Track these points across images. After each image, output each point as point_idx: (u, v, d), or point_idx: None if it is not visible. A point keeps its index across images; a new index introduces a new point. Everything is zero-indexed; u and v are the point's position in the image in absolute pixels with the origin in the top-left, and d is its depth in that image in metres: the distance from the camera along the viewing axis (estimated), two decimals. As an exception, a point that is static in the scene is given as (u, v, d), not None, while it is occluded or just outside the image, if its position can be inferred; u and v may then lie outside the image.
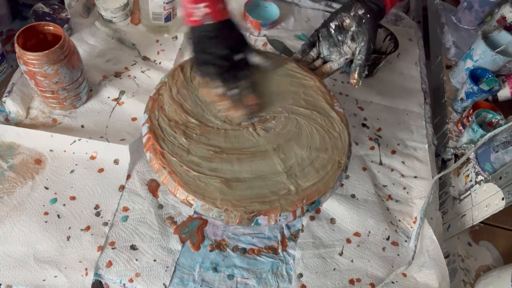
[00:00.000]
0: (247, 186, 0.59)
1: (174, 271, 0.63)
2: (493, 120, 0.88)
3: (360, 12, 0.68)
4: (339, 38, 0.71)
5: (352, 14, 0.69)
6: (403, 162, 0.83)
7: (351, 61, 0.71)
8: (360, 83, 0.69)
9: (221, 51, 0.60)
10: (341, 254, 0.70)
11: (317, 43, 0.74)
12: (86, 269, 0.61)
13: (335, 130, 0.66)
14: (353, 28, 0.69)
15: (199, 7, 0.58)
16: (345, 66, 0.75)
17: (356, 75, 0.69)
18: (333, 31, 0.72)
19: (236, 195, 0.58)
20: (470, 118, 0.90)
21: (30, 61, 0.65)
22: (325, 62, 0.74)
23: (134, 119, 0.78)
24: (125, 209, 0.68)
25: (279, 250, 0.68)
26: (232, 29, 0.62)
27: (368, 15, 0.68)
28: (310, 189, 0.59)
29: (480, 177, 0.81)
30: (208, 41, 0.60)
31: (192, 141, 0.61)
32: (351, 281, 0.67)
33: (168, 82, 0.67)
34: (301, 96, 0.69)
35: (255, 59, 0.65)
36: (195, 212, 0.69)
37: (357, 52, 0.69)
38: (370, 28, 0.68)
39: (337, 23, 0.71)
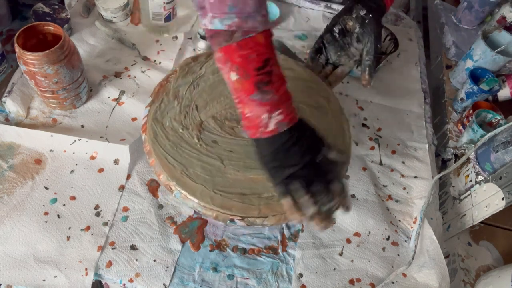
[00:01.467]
0: (232, 184, 0.59)
1: (174, 271, 0.63)
2: (493, 120, 0.88)
3: (362, 13, 0.68)
4: (345, 41, 0.71)
5: (354, 16, 0.69)
6: (403, 162, 0.83)
7: (359, 62, 0.71)
8: (371, 83, 0.69)
9: (302, 159, 0.51)
10: (341, 254, 0.70)
11: (324, 49, 0.74)
12: (86, 269, 0.61)
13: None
14: (357, 30, 0.69)
15: (274, 116, 0.49)
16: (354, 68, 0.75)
17: (367, 76, 0.69)
18: (337, 35, 0.71)
19: (218, 190, 0.58)
20: (470, 118, 0.90)
21: (30, 61, 0.65)
22: (335, 67, 0.75)
23: (134, 119, 0.78)
24: (125, 209, 0.68)
25: (279, 250, 0.68)
26: (306, 128, 0.53)
27: (370, 15, 0.67)
28: None
29: (480, 177, 0.81)
30: (283, 151, 0.51)
31: (188, 131, 0.63)
32: (351, 281, 0.67)
33: (178, 72, 0.68)
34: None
35: (331, 155, 0.54)
36: (195, 212, 0.69)
37: (364, 52, 0.69)
38: (374, 27, 0.68)
39: (340, 27, 0.71)
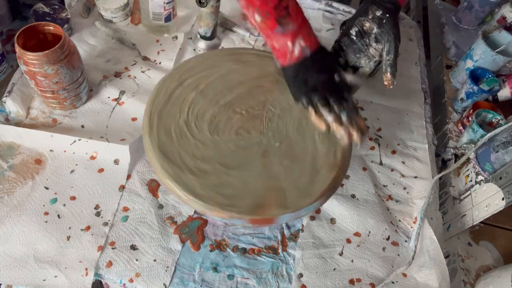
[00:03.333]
0: (220, 174, 0.60)
1: (174, 271, 0.63)
2: (493, 120, 0.88)
3: (378, 13, 0.67)
4: (363, 42, 0.71)
5: (370, 17, 0.68)
6: (403, 162, 0.83)
7: (379, 62, 0.71)
8: (394, 83, 0.70)
9: (323, 76, 0.61)
10: (341, 254, 0.70)
11: (341, 53, 0.73)
12: (86, 269, 0.61)
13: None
14: (375, 30, 0.69)
15: (296, 42, 0.59)
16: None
17: (389, 75, 0.69)
18: (355, 38, 0.71)
19: (206, 182, 0.59)
20: (470, 118, 0.90)
21: (30, 61, 0.65)
22: (355, 69, 0.74)
23: (134, 119, 0.78)
24: (125, 209, 0.68)
25: (279, 250, 0.68)
26: (326, 52, 0.63)
27: (387, 14, 0.67)
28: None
29: (480, 177, 0.81)
30: (307, 71, 0.61)
31: (195, 120, 0.64)
32: (351, 281, 0.67)
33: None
34: None
35: (349, 77, 0.64)
36: (195, 212, 0.69)
37: (384, 52, 0.69)
38: (392, 27, 0.68)
39: (357, 29, 0.70)
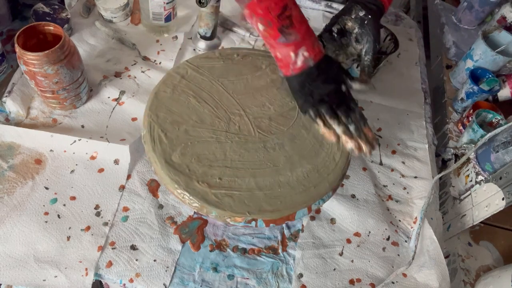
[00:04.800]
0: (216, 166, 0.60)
1: (174, 271, 0.63)
2: (493, 120, 0.88)
3: (361, 13, 0.68)
4: (343, 41, 0.72)
5: (353, 16, 0.69)
6: (403, 162, 0.83)
7: (358, 61, 0.72)
8: (369, 83, 0.69)
9: (328, 88, 0.61)
10: (341, 254, 0.70)
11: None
12: (86, 269, 0.61)
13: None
14: (356, 30, 0.70)
15: (300, 53, 0.59)
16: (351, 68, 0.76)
17: (365, 76, 0.69)
18: (336, 35, 0.72)
19: (199, 172, 0.59)
20: (470, 118, 0.90)
21: (30, 61, 0.65)
22: None
23: (134, 119, 0.78)
24: (125, 209, 0.68)
25: (279, 250, 0.68)
26: (331, 62, 0.63)
27: (369, 16, 0.68)
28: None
29: (480, 177, 0.81)
30: (312, 82, 0.61)
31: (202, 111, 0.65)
32: (351, 281, 0.67)
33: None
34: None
35: (356, 86, 0.65)
36: (195, 212, 0.69)
37: (363, 53, 0.70)
38: (373, 28, 0.68)
39: (339, 27, 0.71)
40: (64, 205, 0.66)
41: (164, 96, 0.67)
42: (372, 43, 0.68)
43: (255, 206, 0.57)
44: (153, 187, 0.71)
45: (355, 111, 0.62)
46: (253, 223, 0.58)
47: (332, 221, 0.73)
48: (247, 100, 0.68)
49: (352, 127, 0.61)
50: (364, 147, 0.61)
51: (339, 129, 0.61)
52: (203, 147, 0.61)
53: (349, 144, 0.61)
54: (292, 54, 0.59)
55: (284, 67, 0.61)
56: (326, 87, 0.61)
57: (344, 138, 0.61)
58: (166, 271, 0.63)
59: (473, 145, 0.85)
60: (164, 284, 0.62)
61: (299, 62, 0.59)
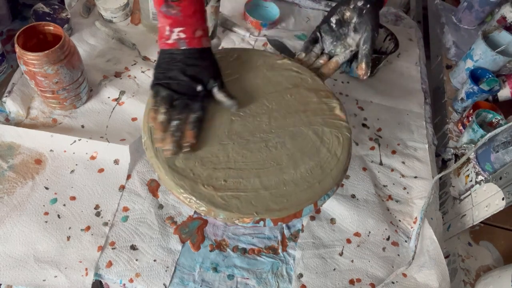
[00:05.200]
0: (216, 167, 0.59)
1: (174, 271, 0.63)
2: (493, 120, 0.88)
3: (360, 3, 0.68)
4: (341, 31, 0.71)
5: (351, 6, 0.69)
6: (403, 162, 0.83)
7: (356, 54, 0.71)
8: (368, 74, 0.69)
9: (181, 76, 0.60)
10: (341, 254, 0.70)
11: (320, 39, 0.74)
12: (86, 269, 0.61)
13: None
14: (354, 20, 0.69)
15: (175, 31, 0.59)
16: (345, 64, 0.75)
17: (363, 65, 0.68)
18: (334, 25, 0.71)
19: (199, 172, 0.58)
20: (470, 118, 0.90)
21: (30, 61, 0.65)
22: (330, 57, 0.74)
23: (134, 119, 0.78)
24: (125, 209, 0.68)
25: (279, 250, 0.68)
26: (205, 59, 0.62)
27: (368, 5, 0.67)
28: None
29: (480, 177, 0.81)
30: (172, 63, 0.60)
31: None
32: (351, 281, 0.67)
33: None
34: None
35: (219, 96, 0.63)
36: (195, 212, 0.69)
37: (361, 42, 0.69)
38: (372, 18, 0.67)
39: (337, 17, 0.71)
40: (64, 205, 0.66)
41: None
42: (371, 32, 0.67)
43: (262, 206, 0.57)
44: (153, 187, 0.71)
45: (192, 112, 0.60)
46: (261, 223, 0.57)
47: (332, 221, 0.73)
48: (246, 99, 0.68)
49: (174, 123, 0.59)
50: (167, 145, 0.58)
51: (161, 116, 0.58)
52: (205, 150, 0.61)
53: (157, 134, 0.59)
54: (167, 28, 0.59)
55: (159, 38, 0.60)
56: (180, 75, 0.59)
57: (158, 127, 0.59)
58: (166, 271, 0.63)
59: (473, 145, 0.85)
60: (164, 284, 0.62)
61: (171, 39, 0.59)
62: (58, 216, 0.65)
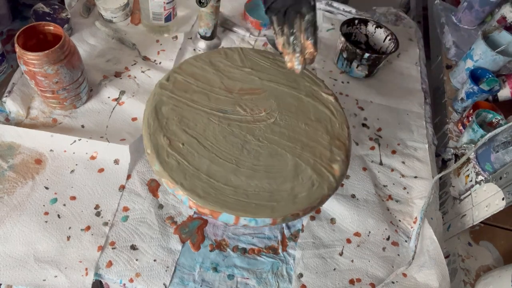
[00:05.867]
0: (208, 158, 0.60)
1: (174, 271, 0.63)
2: (493, 120, 0.88)
3: None
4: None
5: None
6: (403, 162, 0.83)
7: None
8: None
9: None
10: (341, 254, 0.70)
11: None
12: (86, 269, 0.61)
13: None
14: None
15: None
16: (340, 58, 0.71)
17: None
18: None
19: (194, 166, 0.59)
20: (470, 118, 0.90)
21: (30, 61, 0.65)
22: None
23: (134, 119, 0.78)
24: (125, 209, 0.68)
25: (279, 250, 0.68)
26: None
27: None
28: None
29: (480, 177, 0.81)
30: None
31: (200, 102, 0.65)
32: (351, 281, 0.67)
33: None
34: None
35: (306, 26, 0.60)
36: (195, 212, 0.69)
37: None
38: None
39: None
40: (64, 205, 0.66)
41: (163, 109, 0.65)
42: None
43: (270, 204, 0.57)
44: (153, 187, 0.71)
45: (304, 17, 0.57)
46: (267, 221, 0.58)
47: (332, 221, 0.73)
48: (269, 100, 0.68)
49: (291, 40, 0.57)
50: (293, 63, 0.57)
51: (280, 39, 0.58)
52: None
53: (285, 57, 0.58)
54: None
55: None
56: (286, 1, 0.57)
57: (282, 49, 0.58)
58: (166, 271, 0.63)
59: (473, 145, 0.85)
60: (164, 284, 0.62)
61: None
62: (58, 216, 0.65)
